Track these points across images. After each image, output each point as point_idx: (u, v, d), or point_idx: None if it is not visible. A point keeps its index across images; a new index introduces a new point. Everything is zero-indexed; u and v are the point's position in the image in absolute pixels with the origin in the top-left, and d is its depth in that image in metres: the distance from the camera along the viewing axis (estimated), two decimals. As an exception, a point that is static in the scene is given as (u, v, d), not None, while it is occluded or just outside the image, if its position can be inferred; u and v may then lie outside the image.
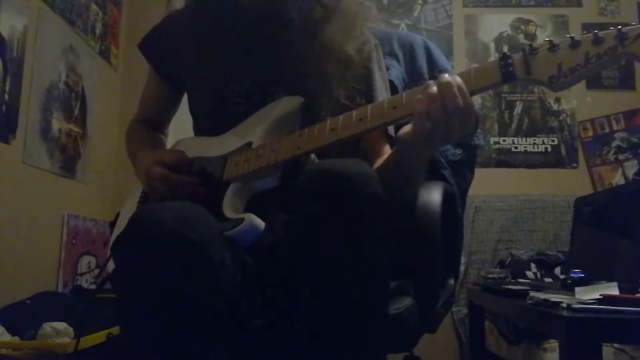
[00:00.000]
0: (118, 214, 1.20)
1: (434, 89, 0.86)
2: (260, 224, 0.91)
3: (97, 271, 2.44)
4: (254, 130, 1.06)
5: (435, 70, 1.33)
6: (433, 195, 1.02)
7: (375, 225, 0.84)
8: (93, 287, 1.13)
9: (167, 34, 1.22)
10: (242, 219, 0.90)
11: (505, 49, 3.20)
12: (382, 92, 1.12)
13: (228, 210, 0.95)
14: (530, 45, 0.86)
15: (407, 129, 0.90)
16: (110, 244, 1.14)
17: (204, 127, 1.19)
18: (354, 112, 0.94)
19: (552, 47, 0.85)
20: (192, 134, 1.26)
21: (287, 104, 1.06)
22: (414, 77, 1.28)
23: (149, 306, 0.79)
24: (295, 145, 0.96)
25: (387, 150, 1.12)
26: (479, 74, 0.88)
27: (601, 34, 0.83)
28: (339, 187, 0.82)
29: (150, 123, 1.33)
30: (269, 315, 0.97)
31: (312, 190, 0.84)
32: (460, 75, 0.89)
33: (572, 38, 0.84)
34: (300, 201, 0.86)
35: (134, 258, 0.81)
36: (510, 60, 0.86)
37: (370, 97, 1.10)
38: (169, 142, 1.32)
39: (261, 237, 0.91)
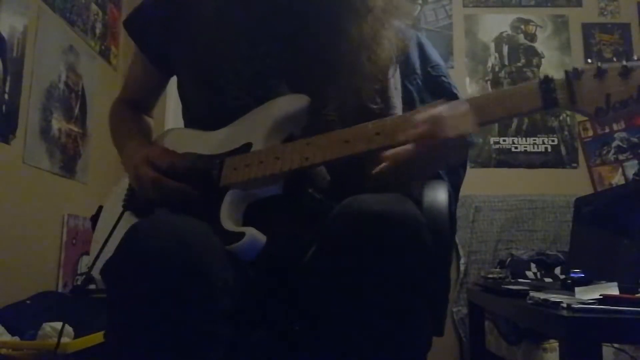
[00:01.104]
0: (100, 208, 1.14)
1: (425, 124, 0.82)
2: (262, 238, 0.85)
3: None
4: (253, 130, 0.97)
5: (427, 65, 1.31)
6: (439, 195, 0.98)
7: (418, 272, 0.79)
8: (92, 286, 1.10)
9: (157, 12, 1.11)
10: (243, 234, 0.85)
11: (505, 49, 3.20)
12: (398, 98, 1.07)
13: (226, 221, 0.89)
14: (575, 68, 0.77)
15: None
16: (94, 242, 1.09)
17: (198, 117, 1.10)
18: (370, 124, 0.87)
19: (599, 72, 0.76)
20: None
21: (291, 103, 0.98)
22: (406, 73, 1.25)
23: (145, 332, 0.74)
24: (303, 154, 0.89)
25: None
26: (516, 96, 0.81)
27: None
28: (381, 231, 0.77)
29: (135, 104, 1.23)
30: (269, 326, 0.94)
31: (349, 230, 0.79)
32: (495, 96, 0.82)
33: (624, 66, 0.75)
34: (336, 242, 0.80)
35: (129, 283, 0.75)
36: (552, 85, 0.78)
37: (386, 101, 1.04)
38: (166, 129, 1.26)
39: (263, 249, 0.86)
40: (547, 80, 0.79)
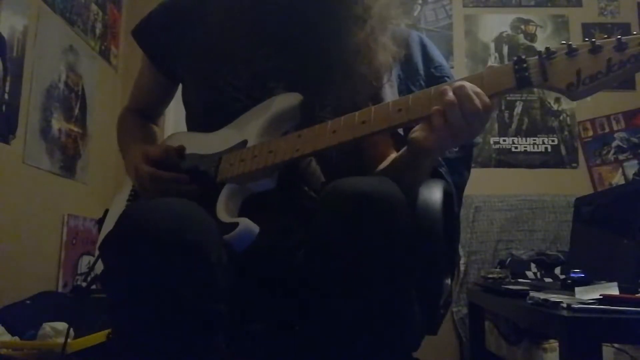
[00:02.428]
0: (106, 212, 1.16)
1: (450, 95, 0.83)
2: (255, 228, 0.87)
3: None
4: (249, 128, 1.01)
5: (430, 66, 1.31)
6: (434, 194, 1.00)
7: (402, 251, 0.80)
8: (93, 287, 1.11)
9: (164, 21, 1.15)
10: (237, 224, 0.87)
11: (505, 49, 3.20)
12: (389, 98, 1.08)
13: (222, 213, 0.91)
14: (547, 48, 0.81)
15: (422, 134, 0.87)
16: (99, 243, 1.10)
17: (199, 120, 1.13)
18: (357, 113, 0.91)
19: (570, 51, 0.80)
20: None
21: (284, 101, 1.01)
22: (409, 73, 1.25)
23: (144, 309, 0.75)
24: (294, 146, 0.92)
25: (393, 151, 1.08)
26: (492, 77, 0.84)
27: (625, 39, 0.77)
28: (365, 209, 0.79)
29: (142, 113, 1.27)
30: (267, 318, 0.95)
31: (335, 210, 0.81)
32: (472, 78, 0.86)
33: (592, 42, 0.79)
34: (322, 222, 0.82)
35: (125, 259, 0.76)
36: (525, 65, 0.82)
37: (379, 101, 1.05)
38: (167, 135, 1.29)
39: (256, 240, 0.88)
40: (521, 60, 0.82)
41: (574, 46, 0.80)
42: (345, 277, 0.79)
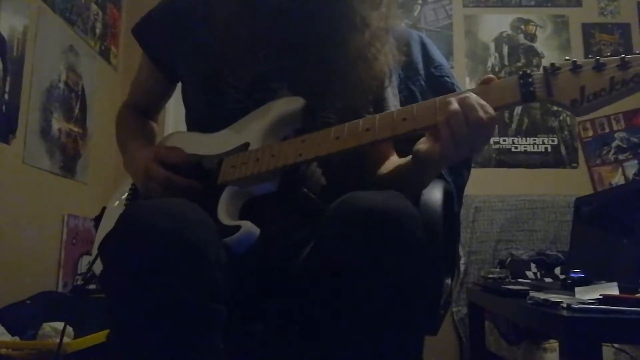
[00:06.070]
0: (104, 209, 1.16)
1: (455, 105, 0.83)
2: (256, 231, 0.87)
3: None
4: (251, 130, 1.01)
5: (430, 65, 1.31)
6: (434, 194, 1.00)
7: (412, 266, 0.80)
8: (92, 286, 1.10)
9: (164, 19, 1.15)
10: (238, 227, 0.87)
11: (505, 49, 3.20)
12: (392, 100, 1.09)
13: (222, 216, 0.91)
14: (552, 64, 0.83)
15: (426, 146, 0.87)
16: (97, 241, 1.10)
17: (199, 120, 1.13)
18: (361, 121, 0.90)
19: (574, 67, 0.81)
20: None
21: (287, 104, 1.01)
22: (409, 73, 1.25)
23: (144, 310, 0.75)
24: (297, 151, 0.92)
25: (393, 153, 1.09)
26: (497, 91, 0.85)
27: (628, 58, 0.79)
28: (377, 225, 0.79)
29: (141, 109, 1.27)
30: (267, 318, 0.95)
31: (346, 225, 0.80)
32: (477, 91, 0.86)
33: (596, 60, 0.80)
34: (332, 235, 0.81)
35: (126, 259, 0.76)
36: (530, 79, 0.83)
37: (380, 110, 1.05)
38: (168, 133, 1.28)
39: (256, 243, 0.88)
40: (526, 75, 0.83)
41: (578, 63, 0.81)
42: (353, 290, 0.79)
